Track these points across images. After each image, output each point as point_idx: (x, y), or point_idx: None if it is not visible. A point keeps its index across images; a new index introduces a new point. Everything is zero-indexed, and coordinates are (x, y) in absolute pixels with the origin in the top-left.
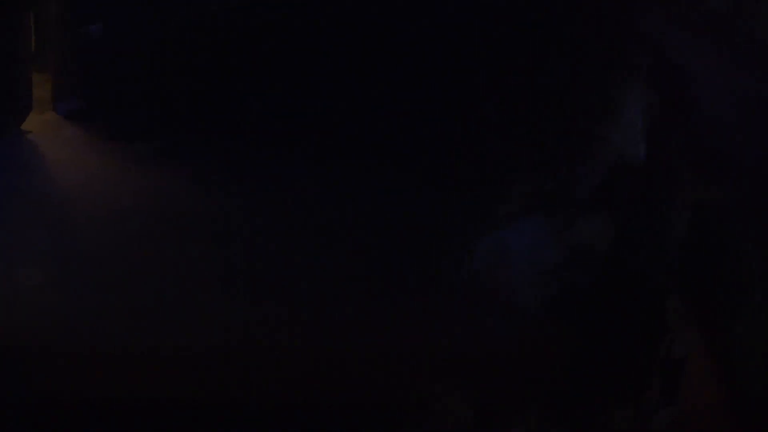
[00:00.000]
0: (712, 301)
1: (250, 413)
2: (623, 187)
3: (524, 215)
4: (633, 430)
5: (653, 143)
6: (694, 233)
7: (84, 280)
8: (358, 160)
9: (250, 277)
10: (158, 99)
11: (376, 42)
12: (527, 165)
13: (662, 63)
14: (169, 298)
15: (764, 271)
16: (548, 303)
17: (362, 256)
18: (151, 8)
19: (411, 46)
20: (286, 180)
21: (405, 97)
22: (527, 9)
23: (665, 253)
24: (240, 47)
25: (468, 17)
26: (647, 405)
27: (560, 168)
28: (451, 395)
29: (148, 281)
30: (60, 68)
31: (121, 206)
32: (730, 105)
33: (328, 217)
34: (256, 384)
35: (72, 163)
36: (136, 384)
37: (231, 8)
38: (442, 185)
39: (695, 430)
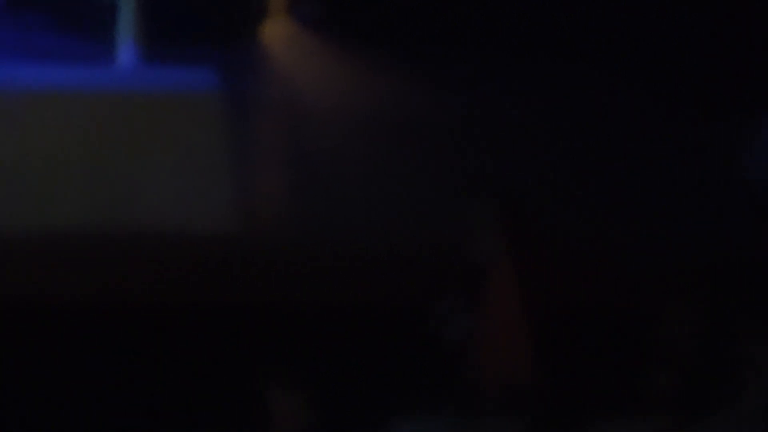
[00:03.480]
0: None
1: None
2: None
3: None
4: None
5: None
6: None
7: (325, 184)
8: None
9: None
10: (398, 5)
11: None
12: None
13: None
14: (418, 203)
15: None
16: None
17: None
18: None
19: None
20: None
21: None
22: None
23: None
24: None
25: None
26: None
27: None
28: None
29: (394, 185)
30: None
31: (360, 115)
32: None
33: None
34: None
35: (310, 72)
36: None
37: None
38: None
39: (495, 335)
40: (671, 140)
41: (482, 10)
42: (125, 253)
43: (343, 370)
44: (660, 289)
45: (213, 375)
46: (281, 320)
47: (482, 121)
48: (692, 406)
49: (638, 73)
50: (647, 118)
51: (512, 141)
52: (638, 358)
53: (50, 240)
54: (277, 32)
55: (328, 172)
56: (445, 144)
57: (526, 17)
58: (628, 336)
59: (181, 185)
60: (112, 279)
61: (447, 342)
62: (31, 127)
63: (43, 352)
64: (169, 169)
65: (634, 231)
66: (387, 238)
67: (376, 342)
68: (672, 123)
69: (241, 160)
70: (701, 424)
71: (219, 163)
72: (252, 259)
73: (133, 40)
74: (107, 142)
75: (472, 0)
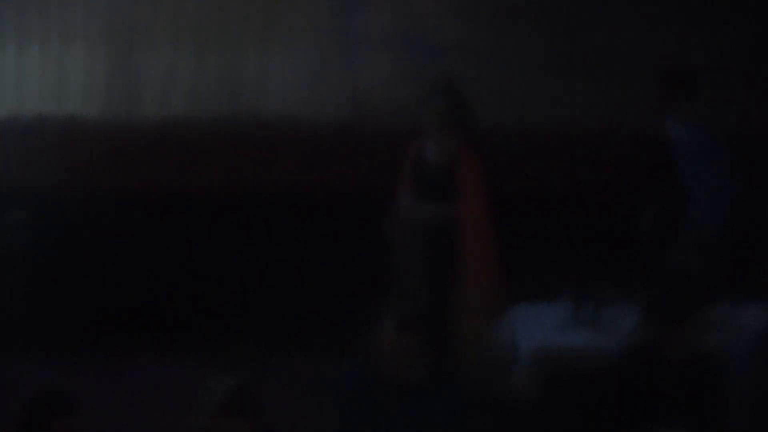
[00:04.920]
0: None
1: None
2: None
3: None
4: None
5: None
6: None
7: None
8: None
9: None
10: None
11: None
12: None
13: None
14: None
15: None
16: None
17: None
18: None
19: None
20: None
21: None
22: None
23: None
24: None
25: None
26: None
27: None
28: None
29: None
30: None
31: None
32: None
33: None
34: None
35: None
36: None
37: None
38: None
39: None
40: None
41: None
42: (237, 138)
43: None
44: None
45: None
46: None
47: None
48: None
49: None
50: None
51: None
52: (755, 246)
53: (166, 126)
54: None
55: (438, 58)
56: None
57: None
58: (745, 227)
59: (293, 70)
60: (225, 164)
61: None
62: (145, 14)
63: (161, 237)
64: (281, 55)
65: None
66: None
67: None
68: None
69: (352, 45)
70: None
71: (332, 48)
72: (362, 145)
73: None
74: (219, 27)
75: None
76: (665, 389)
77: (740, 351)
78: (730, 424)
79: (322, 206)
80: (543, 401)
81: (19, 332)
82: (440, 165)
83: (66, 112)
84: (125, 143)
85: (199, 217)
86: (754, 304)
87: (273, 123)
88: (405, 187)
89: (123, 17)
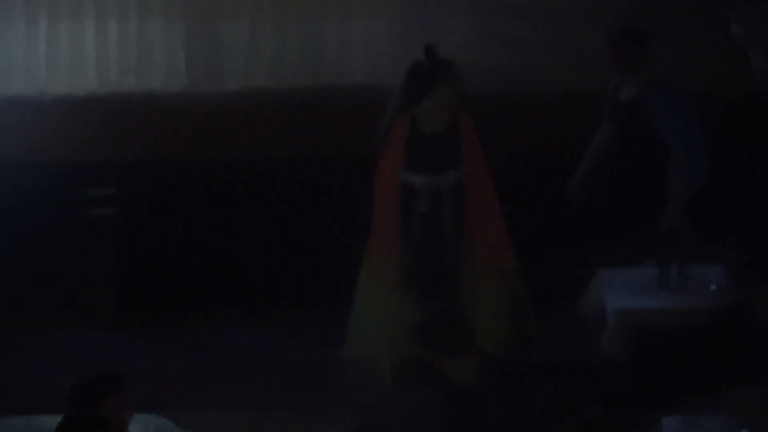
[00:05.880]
0: None
1: None
2: None
3: None
4: None
5: None
6: None
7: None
8: None
9: None
10: None
11: None
12: None
13: None
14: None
15: None
16: None
17: None
18: None
19: None
20: None
21: None
22: None
23: None
24: None
25: None
26: None
27: None
28: None
29: None
30: None
31: None
32: None
33: None
34: None
35: None
36: None
37: None
38: None
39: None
40: None
41: None
42: (319, 107)
43: None
44: None
45: None
46: None
47: None
48: None
49: None
50: None
51: None
52: None
53: (248, 98)
54: None
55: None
56: None
57: None
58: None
59: (374, 38)
60: (308, 133)
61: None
62: None
63: (244, 208)
64: (362, 23)
65: None
66: None
67: None
68: None
69: (433, 12)
70: None
71: (412, 15)
72: None
73: None
74: None
75: None
76: (753, 349)
77: None
78: None
79: None
80: (630, 363)
81: (107, 308)
82: (443, 133)
83: (147, 86)
84: (207, 116)
85: (283, 187)
86: None
87: (354, 92)
88: (397, 162)
89: None
